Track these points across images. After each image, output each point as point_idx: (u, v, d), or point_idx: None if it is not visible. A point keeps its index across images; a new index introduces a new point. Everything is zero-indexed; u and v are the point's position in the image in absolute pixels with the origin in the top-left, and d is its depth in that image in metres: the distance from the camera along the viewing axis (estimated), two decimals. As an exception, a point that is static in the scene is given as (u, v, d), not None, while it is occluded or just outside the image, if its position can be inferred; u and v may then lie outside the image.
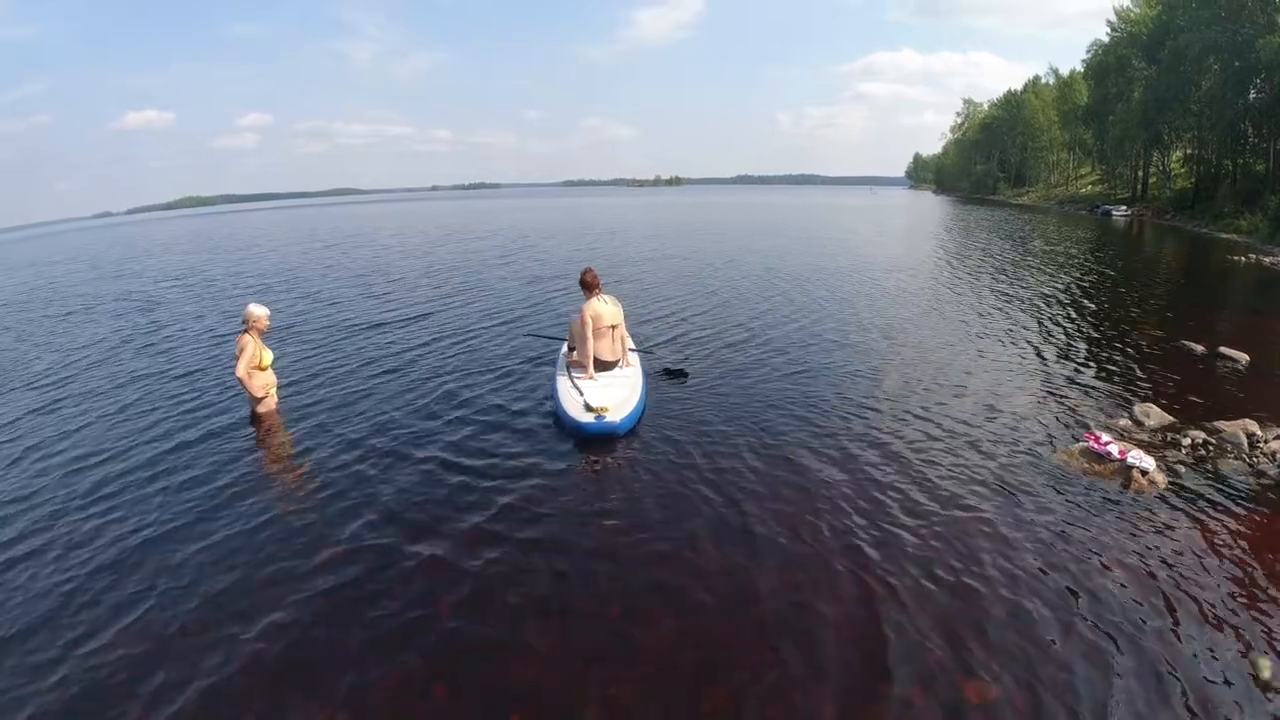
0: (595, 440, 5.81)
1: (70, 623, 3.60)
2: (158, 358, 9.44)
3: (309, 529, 4.49)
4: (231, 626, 3.52)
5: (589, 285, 6.92)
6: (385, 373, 8.11)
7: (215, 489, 5.08)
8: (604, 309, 6.81)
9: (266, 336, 6.58)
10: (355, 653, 3.32)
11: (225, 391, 7.45)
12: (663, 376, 7.64)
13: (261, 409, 6.45)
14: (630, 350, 7.35)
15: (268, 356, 6.47)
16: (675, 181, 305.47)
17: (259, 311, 6.43)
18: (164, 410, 7.03)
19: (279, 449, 5.97)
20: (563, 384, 6.54)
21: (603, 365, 6.83)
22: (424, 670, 3.21)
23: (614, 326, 6.85)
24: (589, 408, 5.91)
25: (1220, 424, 5.88)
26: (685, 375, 7.70)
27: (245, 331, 6.35)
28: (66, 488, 5.27)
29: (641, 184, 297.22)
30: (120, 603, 3.76)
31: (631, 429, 6.02)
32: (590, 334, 6.72)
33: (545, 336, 9.23)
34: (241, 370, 6.25)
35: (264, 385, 6.46)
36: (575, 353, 7.01)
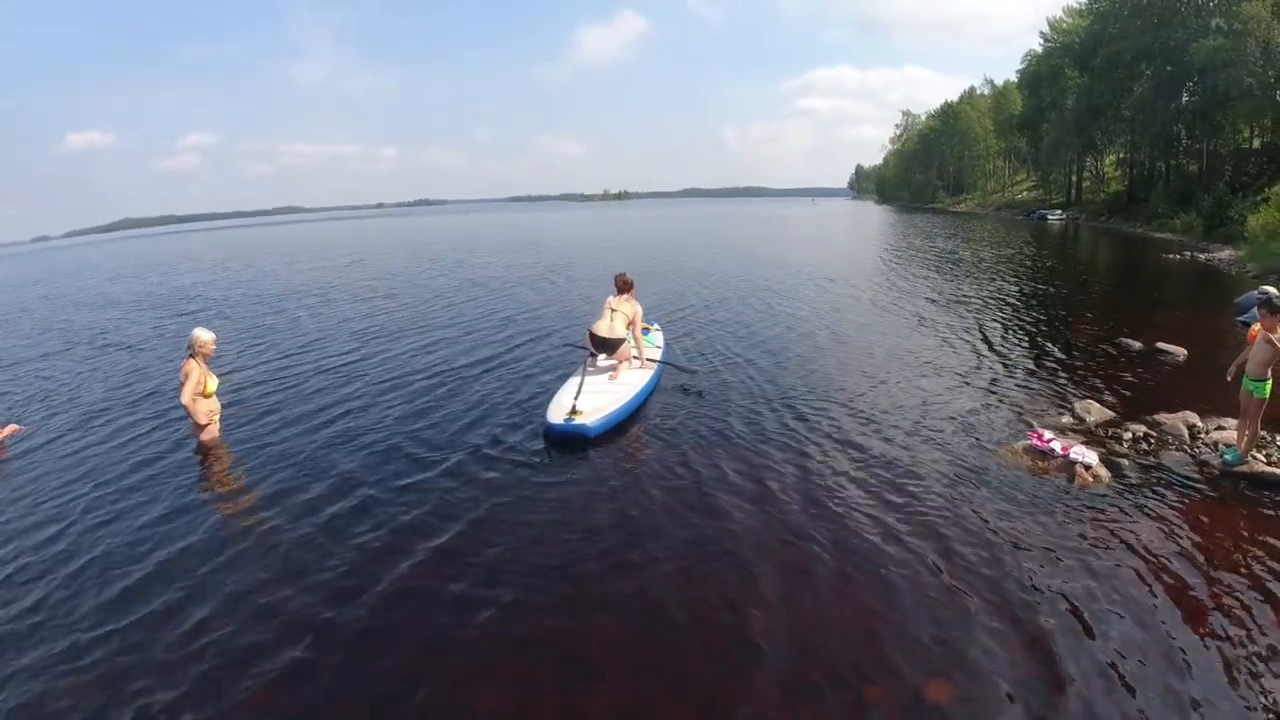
0: (564, 442, 5.88)
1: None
2: (96, 385, 8.97)
3: (250, 555, 4.35)
4: (169, 656, 3.37)
5: (617, 285, 7.84)
6: (336, 392, 7.89)
7: (156, 518, 4.86)
8: (612, 297, 7.67)
9: (211, 361, 6.37)
10: (303, 679, 3.19)
11: (168, 418, 7.14)
12: (675, 372, 8.05)
13: (205, 436, 6.22)
14: (649, 360, 7.66)
15: (212, 383, 6.25)
16: (624, 196, 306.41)
17: (205, 336, 6.21)
18: (105, 439, 6.68)
19: (222, 476, 5.75)
20: (563, 385, 6.81)
21: (597, 341, 7.36)
22: (372, 690, 3.11)
23: (614, 310, 7.51)
24: (570, 410, 5.95)
25: (1161, 417, 6.05)
26: (693, 373, 8.08)
27: (190, 357, 6.13)
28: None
29: (590, 199, 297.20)
30: (49, 636, 3.58)
31: (604, 433, 6.05)
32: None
33: (579, 346, 8.76)
34: (186, 397, 6.03)
35: (208, 412, 6.23)
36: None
